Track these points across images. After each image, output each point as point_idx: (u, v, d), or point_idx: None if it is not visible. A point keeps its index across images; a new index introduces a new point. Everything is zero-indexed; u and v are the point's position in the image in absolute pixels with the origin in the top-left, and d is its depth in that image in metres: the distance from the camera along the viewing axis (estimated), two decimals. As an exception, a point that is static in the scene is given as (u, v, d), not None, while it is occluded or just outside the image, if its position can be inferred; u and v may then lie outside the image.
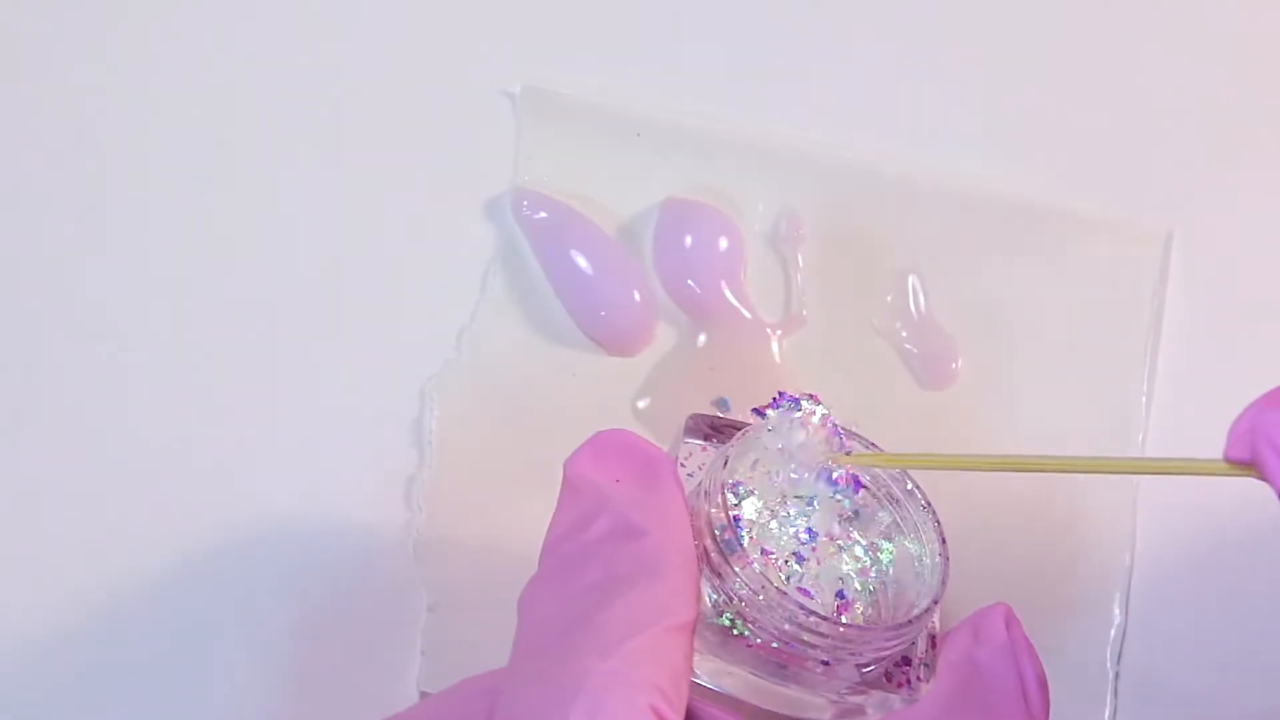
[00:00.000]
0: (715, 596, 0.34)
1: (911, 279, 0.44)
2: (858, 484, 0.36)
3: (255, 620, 0.40)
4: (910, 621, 0.34)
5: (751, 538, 0.35)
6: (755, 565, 0.33)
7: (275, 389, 0.42)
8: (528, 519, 0.40)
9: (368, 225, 0.43)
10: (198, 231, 0.42)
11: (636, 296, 0.43)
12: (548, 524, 0.34)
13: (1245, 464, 0.31)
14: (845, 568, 0.36)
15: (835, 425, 0.36)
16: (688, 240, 0.43)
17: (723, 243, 0.43)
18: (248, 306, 0.42)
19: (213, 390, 0.42)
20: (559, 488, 0.34)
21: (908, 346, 0.44)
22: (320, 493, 0.41)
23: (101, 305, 0.42)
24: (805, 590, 0.35)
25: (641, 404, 0.43)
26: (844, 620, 0.34)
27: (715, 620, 0.34)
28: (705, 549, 0.34)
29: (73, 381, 0.41)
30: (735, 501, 0.35)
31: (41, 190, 0.42)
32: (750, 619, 0.34)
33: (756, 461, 0.36)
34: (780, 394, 0.36)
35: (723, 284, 0.43)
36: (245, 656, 0.40)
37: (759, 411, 0.36)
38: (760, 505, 0.36)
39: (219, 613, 0.40)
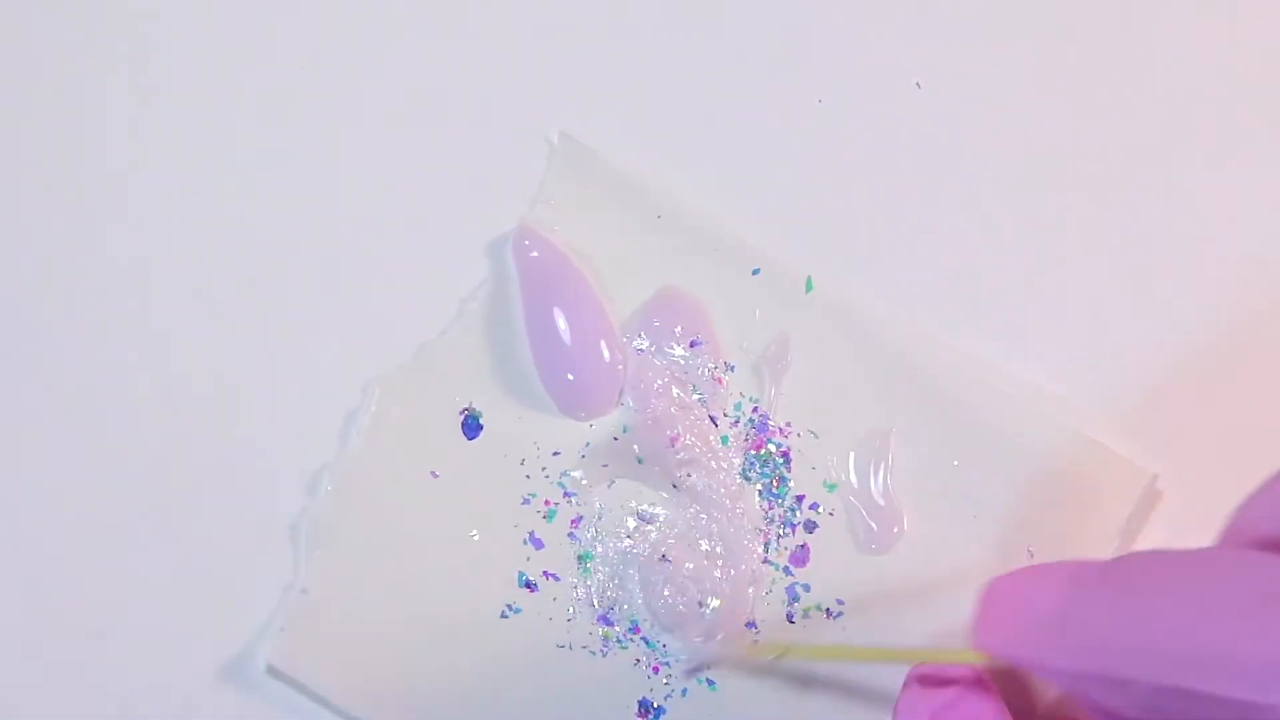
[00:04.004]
0: None
1: (881, 443, 0.44)
2: None
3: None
4: None
5: None
6: None
7: (237, 361, 0.43)
8: (428, 529, 0.42)
9: (373, 227, 0.44)
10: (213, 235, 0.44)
11: (609, 371, 0.43)
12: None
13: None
14: None
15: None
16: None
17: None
18: (236, 287, 0.43)
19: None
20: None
21: (852, 500, 0.44)
22: (233, 460, 0.43)
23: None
24: None
25: (576, 472, 0.43)
26: None
27: None
28: None
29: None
30: None
31: (56, 186, 0.44)
32: None
33: None
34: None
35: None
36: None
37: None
38: None
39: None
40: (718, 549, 0.43)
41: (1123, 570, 0.34)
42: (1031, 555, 0.43)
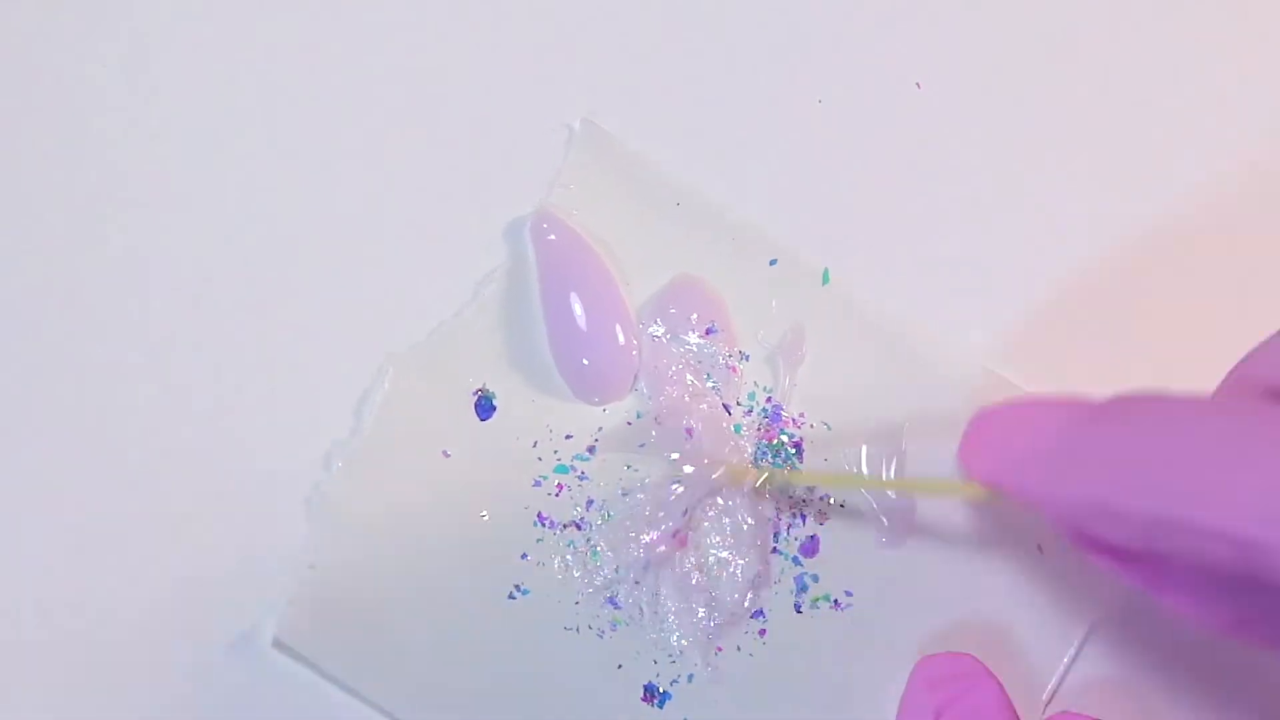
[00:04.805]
0: None
1: (893, 436, 0.44)
2: None
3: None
4: None
5: None
6: None
7: (254, 338, 0.43)
8: (439, 508, 0.42)
9: (392, 209, 0.44)
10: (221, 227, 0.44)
11: (623, 356, 0.43)
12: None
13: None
14: None
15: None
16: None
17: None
18: (256, 268, 0.43)
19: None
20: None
21: (864, 491, 0.44)
22: (247, 436, 0.43)
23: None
24: None
25: (588, 456, 0.43)
26: None
27: None
28: None
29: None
30: None
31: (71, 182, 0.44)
32: None
33: None
34: None
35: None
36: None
37: None
38: None
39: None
40: (727, 530, 0.43)
41: (1120, 407, 0.34)
42: (1041, 550, 0.43)
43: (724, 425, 0.43)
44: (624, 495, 0.43)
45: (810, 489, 0.43)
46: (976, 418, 0.39)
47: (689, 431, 0.42)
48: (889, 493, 0.43)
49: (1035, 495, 0.35)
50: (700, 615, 0.42)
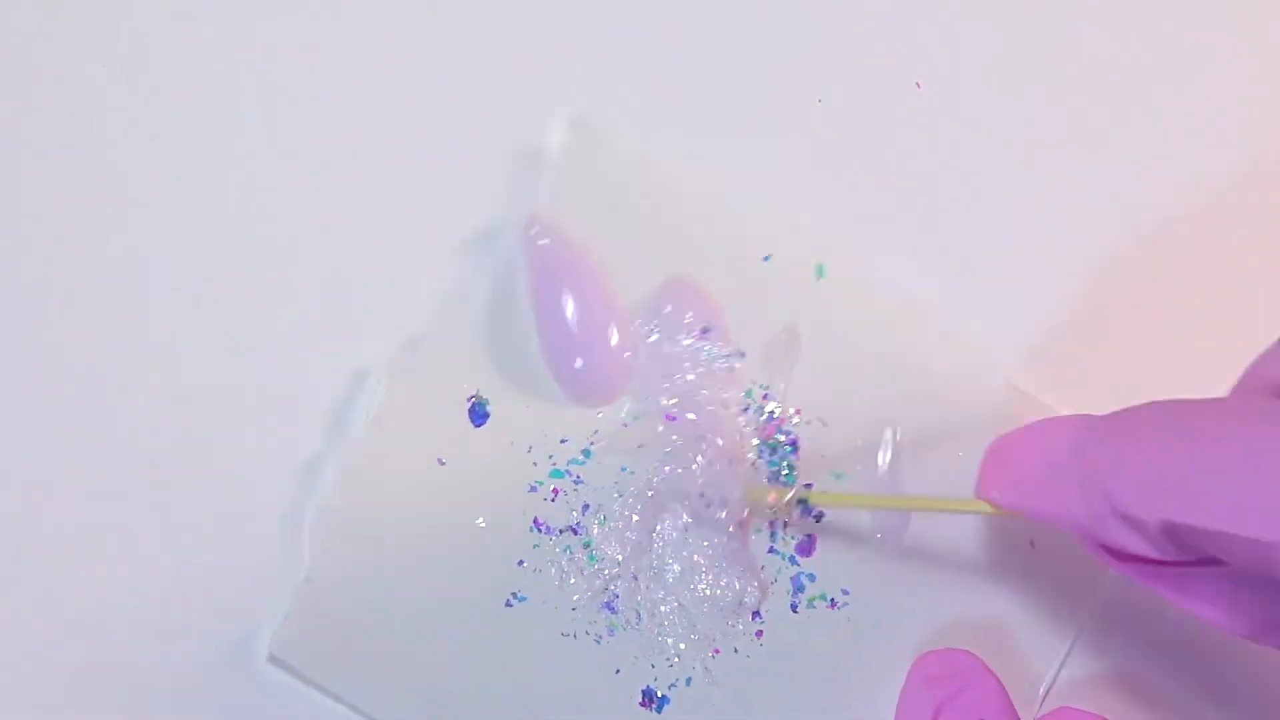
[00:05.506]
0: None
1: (888, 432, 0.44)
2: None
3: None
4: None
5: None
6: None
7: (251, 342, 0.43)
8: (434, 516, 0.42)
9: (382, 213, 0.44)
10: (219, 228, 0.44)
11: (617, 358, 0.43)
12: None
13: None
14: None
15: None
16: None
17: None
18: (241, 277, 0.43)
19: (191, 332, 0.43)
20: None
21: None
22: (240, 443, 0.43)
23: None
24: None
25: (583, 460, 0.43)
26: None
27: None
28: None
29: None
30: None
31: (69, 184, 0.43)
32: None
33: None
34: None
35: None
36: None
37: None
38: None
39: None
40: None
41: (1131, 417, 0.34)
42: (1034, 547, 0.43)
43: (730, 414, 0.43)
44: (620, 498, 0.43)
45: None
46: (992, 448, 0.39)
47: (703, 445, 0.43)
48: (886, 492, 0.44)
49: (1051, 513, 0.35)
50: (695, 619, 0.43)
